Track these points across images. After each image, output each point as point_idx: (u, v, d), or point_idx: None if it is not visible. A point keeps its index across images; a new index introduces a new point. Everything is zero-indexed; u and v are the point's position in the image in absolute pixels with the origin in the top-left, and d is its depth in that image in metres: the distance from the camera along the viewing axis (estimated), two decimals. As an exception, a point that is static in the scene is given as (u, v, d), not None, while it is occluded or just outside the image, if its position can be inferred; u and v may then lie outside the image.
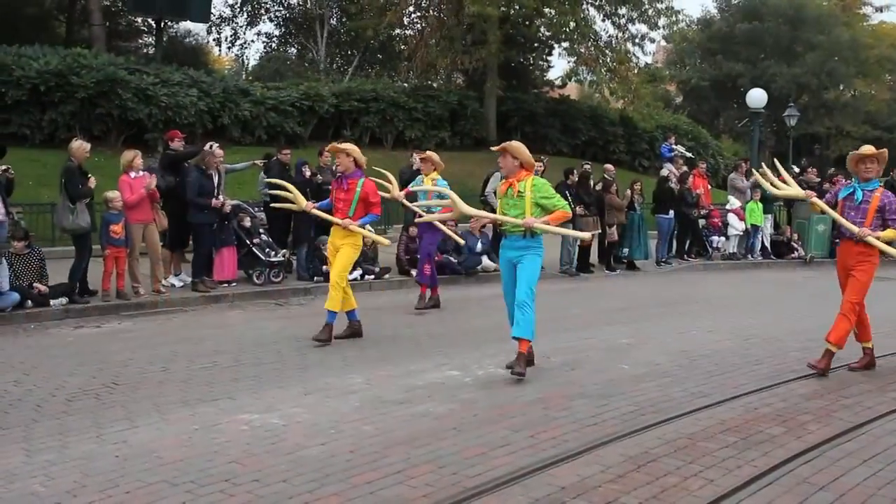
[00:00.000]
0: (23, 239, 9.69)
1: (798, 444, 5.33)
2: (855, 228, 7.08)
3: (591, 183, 14.77)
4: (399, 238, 13.44)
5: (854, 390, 6.76)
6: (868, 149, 7.25)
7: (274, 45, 40.29)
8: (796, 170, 19.99)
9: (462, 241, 11.43)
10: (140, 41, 36.95)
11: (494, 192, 14.03)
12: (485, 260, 13.27)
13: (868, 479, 4.74)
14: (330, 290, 8.14)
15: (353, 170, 8.30)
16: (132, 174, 10.34)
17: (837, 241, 7.63)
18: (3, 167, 10.11)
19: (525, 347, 6.83)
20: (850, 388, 6.82)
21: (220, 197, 10.97)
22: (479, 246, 13.09)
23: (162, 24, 24.20)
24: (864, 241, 7.07)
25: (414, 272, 12.13)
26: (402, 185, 11.13)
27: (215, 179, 11.05)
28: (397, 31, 33.08)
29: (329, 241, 8.63)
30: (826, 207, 7.41)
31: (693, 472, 4.77)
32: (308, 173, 12.21)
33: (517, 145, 6.98)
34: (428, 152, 10.97)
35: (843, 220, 7.21)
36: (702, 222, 17.27)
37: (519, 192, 6.86)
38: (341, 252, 8.25)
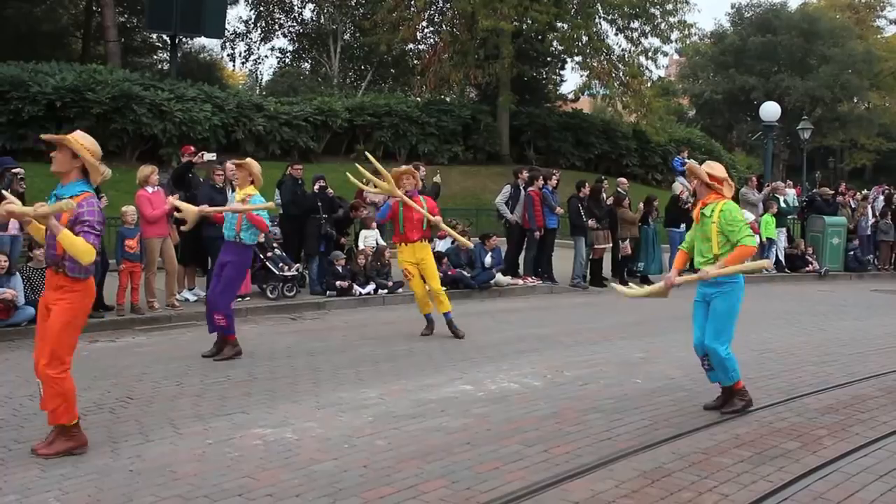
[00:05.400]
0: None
1: (813, 459, 5.30)
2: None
3: (603, 196, 14.77)
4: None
5: (870, 405, 6.73)
6: None
7: (287, 60, 40.75)
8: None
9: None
10: (155, 57, 37.42)
11: (507, 203, 14.16)
12: (498, 275, 13.25)
13: (885, 495, 4.71)
14: None
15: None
16: (149, 189, 10.39)
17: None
18: (15, 170, 9.71)
19: (739, 385, 6.40)
20: (865, 403, 6.78)
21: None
22: (488, 260, 13.05)
23: (177, 40, 24.39)
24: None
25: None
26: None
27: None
28: (410, 46, 33.30)
29: None
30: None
31: (707, 487, 4.75)
32: (317, 187, 12.26)
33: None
34: (248, 159, 8.59)
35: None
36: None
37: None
38: None
